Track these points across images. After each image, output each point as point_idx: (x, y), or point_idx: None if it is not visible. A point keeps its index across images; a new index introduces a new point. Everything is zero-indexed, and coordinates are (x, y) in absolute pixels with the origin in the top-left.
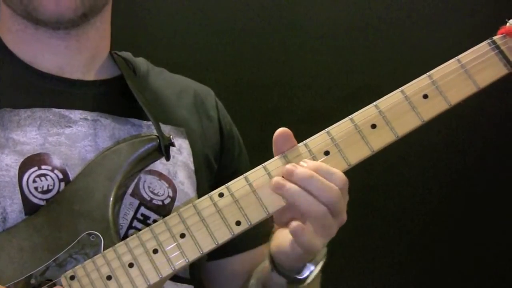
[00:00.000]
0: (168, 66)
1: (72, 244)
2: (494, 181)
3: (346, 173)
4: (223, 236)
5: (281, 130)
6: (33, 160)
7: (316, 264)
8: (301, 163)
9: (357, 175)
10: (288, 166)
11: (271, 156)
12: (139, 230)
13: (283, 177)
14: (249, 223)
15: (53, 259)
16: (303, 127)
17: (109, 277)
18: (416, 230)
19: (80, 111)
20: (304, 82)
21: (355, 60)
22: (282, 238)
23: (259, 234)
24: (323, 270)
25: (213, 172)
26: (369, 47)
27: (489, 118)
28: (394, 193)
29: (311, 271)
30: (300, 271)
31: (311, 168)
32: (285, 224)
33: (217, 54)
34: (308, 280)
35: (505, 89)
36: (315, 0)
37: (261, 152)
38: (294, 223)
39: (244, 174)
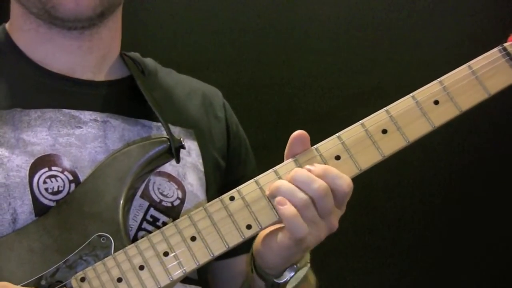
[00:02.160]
0: (169, 66)
1: (82, 246)
2: (494, 181)
3: None
4: (233, 239)
5: (298, 132)
6: (44, 161)
7: (296, 271)
8: (307, 166)
9: (357, 175)
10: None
11: (273, 157)
12: (149, 231)
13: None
14: (260, 227)
15: (63, 260)
16: (305, 128)
17: (119, 279)
18: (416, 230)
19: (90, 112)
20: (305, 83)
21: (357, 60)
22: (267, 231)
23: None
24: (322, 270)
25: (222, 173)
26: (372, 47)
27: (489, 118)
28: (394, 193)
29: (291, 277)
30: (279, 276)
31: (319, 170)
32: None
33: (218, 55)
34: (289, 287)
35: (505, 89)
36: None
37: (262, 152)
38: (279, 197)
39: (255, 178)
